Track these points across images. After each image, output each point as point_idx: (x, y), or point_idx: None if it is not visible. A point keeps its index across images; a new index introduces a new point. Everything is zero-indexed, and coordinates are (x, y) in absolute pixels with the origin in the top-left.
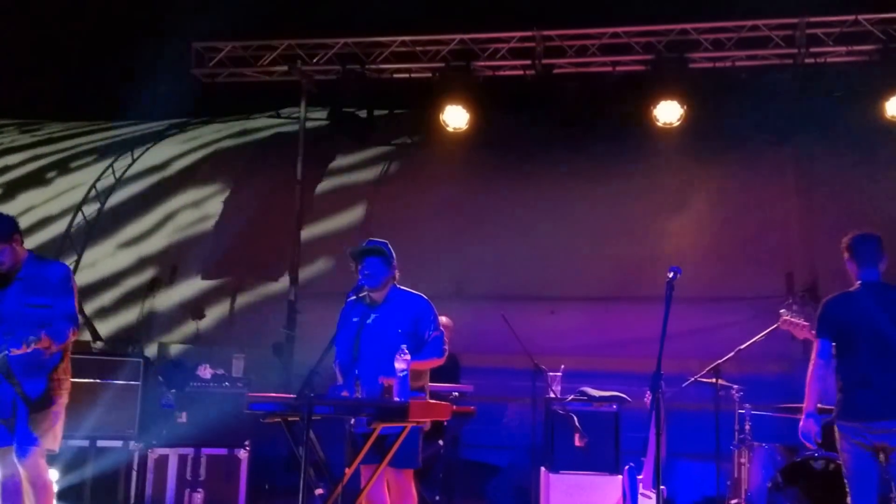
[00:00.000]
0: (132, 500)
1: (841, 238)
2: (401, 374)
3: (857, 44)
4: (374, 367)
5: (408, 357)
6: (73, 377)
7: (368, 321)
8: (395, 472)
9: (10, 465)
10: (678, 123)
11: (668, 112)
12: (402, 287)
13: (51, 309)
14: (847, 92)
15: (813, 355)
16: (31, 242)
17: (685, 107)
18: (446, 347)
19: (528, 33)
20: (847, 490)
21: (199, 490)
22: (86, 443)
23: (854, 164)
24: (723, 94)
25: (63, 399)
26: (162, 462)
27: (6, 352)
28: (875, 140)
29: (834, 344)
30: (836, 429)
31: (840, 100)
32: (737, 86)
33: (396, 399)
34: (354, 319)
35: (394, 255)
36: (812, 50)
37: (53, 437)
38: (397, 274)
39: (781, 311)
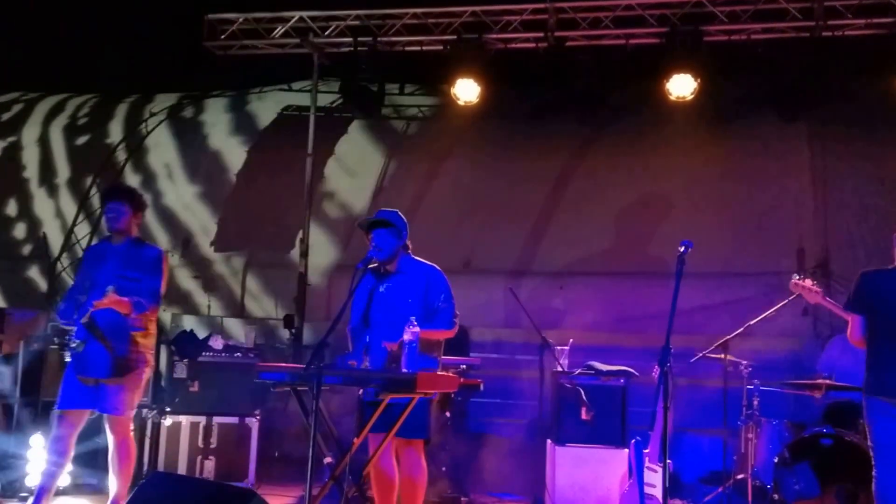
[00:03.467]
0: (145, 467)
1: (853, 215)
2: (409, 345)
3: (877, 16)
4: (384, 336)
5: (416, 329)
6: None
7: (381, 290)
8: (405, 441)
9: (71, 426)
10: (691, 97)
11: (682, 86)
12: (416, 257)
13: (139, 283)
14: (864, 66)
15: (849, 331)
16: None
17: (699, 80)
18: (457, 320)
19: (541, 5)
20: (871, 462)
21: (211, 457)
22: None
23: (869, 141)
24: (737, 68)
25: (145, 372)
26: (175, 429)
27: (90, 307)
28: (891, 116)
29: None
30: (864, 401)
31: (856, 74)
32: (752, 59)
33: (404, 370)
34: (367, 289)
35: (406, 223)
36: (830, 23)
37: (131, 404)
38: (409, 243)
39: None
